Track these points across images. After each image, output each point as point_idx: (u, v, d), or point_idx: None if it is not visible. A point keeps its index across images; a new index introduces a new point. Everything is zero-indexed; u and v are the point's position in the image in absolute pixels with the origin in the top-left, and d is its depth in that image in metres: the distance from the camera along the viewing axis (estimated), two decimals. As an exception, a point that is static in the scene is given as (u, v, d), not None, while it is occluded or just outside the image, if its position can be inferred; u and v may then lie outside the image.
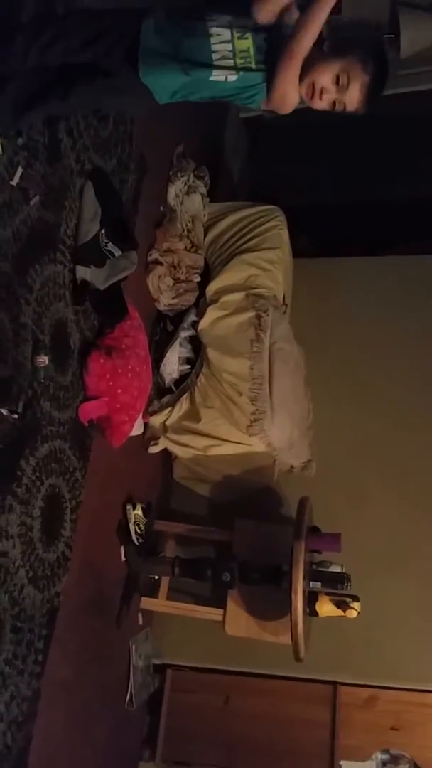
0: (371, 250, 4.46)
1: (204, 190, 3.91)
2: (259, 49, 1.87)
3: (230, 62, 1.86)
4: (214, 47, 1.85)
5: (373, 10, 4.40)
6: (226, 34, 1.86)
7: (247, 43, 1.87)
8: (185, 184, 3.78)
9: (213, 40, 1.85)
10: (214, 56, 1.86)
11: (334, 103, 1.89)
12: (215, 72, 1.87)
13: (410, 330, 4.12)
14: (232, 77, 1.88)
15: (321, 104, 1.90)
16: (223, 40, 1.86)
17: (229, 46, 1.86)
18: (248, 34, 1.87)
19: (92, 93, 1.98)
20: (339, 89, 1.86)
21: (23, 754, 2.41)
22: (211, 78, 1.88)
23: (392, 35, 4.28)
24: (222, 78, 1.88)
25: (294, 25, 1.84)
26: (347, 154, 5.05)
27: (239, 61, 1.87)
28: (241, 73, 1.87)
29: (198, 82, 1.90)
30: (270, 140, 5.07)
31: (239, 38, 1.86)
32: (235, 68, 1.87)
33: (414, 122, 4.77)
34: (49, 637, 2.57)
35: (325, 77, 1.86)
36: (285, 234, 3.92)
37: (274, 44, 1.86)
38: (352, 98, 1.88)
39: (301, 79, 1.87)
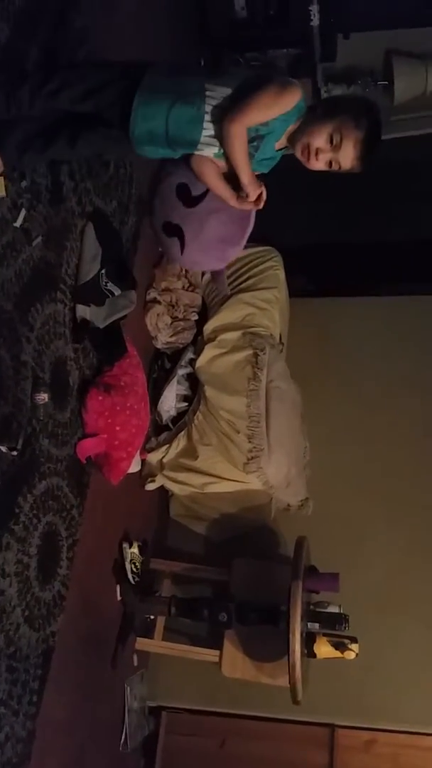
0: (367, 291, 4.51)
1: (202, 231, 3.97)
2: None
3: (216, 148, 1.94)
4: (205, 126, 1.91)
5: (367, 58, 4.54)
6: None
7: None
8: (184, 224, 3.85)
9: (206, 118, 1.90)
10: (204, 134, 1.92)
11: (330, 162, 1.96)
12: (200, 148, 1.96)
13: (407, 369, 4.16)
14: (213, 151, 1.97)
15: (317, 165, 1.97)
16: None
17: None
18: None
19: (97, 141, 2.06)
20: (333, 148, 1.93)
21: (16, 798, 2.39)
22: (194, 153, 1.99)
23: (386, 82, 4.41)
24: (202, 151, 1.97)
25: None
26: (342, 196, 5.14)
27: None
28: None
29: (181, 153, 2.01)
30: (267, 182, 5.17)
31: None
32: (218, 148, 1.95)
33: (407, 166, 4.87)
34: (44, 677, 2.55)
35: (319, 138, 1.92)
36: (281, 274, 3.99)
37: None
38: (347, 156, 1.94)
39: (295, 141, 1.96)
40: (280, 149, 2.03)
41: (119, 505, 3.25)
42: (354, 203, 5.19)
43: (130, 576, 3.26)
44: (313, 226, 5.30)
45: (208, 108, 1.89)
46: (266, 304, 3.83)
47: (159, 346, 3.68)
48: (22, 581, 2.41)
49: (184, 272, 3.75)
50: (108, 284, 2.92)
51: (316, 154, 1.94)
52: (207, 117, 1.90)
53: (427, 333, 4.25)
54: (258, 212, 2.18)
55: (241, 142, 1.89)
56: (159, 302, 3.60)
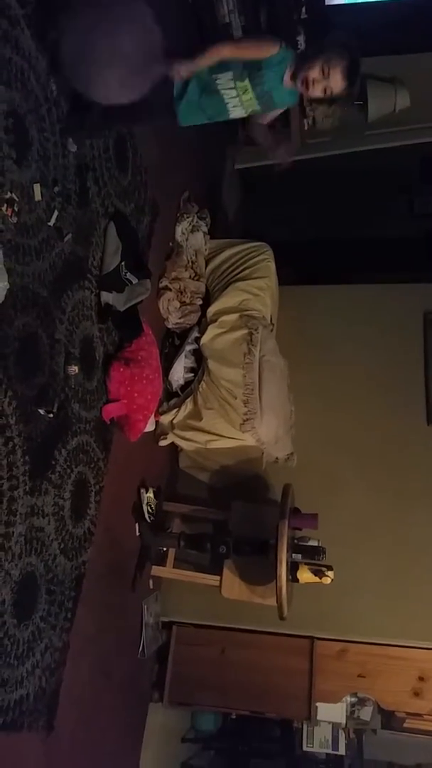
0: (345, 280, 4.49)
1: (205, 229, 3.93)
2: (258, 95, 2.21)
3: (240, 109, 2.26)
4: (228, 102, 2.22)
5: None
6: (232, 92, 2.19)
7: (248, 95, 2.20)
8: (190, 224, 3.81)
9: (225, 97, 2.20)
10: (229, 106, 2.24)
11: (325, 89, 2.12)
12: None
13: (374, 345, 4.14)
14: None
15: (316, 92, 2.15)
16: (231, 97, 2.21)
17: (236, 100, 2.22)
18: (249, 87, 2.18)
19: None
20: (325, 77, 2.10)
21: (55, 695, 2.43)
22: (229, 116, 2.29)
23: (361, 102, 4.33)
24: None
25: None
26: (324, 200, 5.10)
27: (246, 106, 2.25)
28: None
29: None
30: (260, 187, 5.12)
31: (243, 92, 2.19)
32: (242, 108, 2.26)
33: (379, 174, 4.82)
34: (76, 598, 2.59)
35: (313, 71, 2.12)
36: (272, 265, 3.94)
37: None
38: (336, 81, 2.10)
39: (297, 78, 2.15)
40: (290, 90, 2.21)
41: (137, 458, 3.26)
42: (332, 206, 5.15)
43: (146, 516, 3.28)
44: (299, 224, 5.27)
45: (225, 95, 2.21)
46: (259, 291, 3.79)
47: (169, 326, 3.66)
48: (59, 520, 2.43)
49: (190, 264, 3.72)
50: (127, 274, 2.90)
51: (313, 83, 2.11)
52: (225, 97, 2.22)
53: (390, 313, 4.22)
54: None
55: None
56: (169, 289, 3.57)
